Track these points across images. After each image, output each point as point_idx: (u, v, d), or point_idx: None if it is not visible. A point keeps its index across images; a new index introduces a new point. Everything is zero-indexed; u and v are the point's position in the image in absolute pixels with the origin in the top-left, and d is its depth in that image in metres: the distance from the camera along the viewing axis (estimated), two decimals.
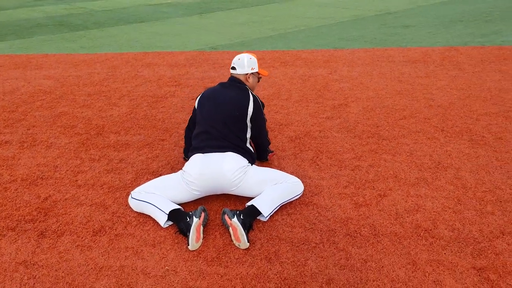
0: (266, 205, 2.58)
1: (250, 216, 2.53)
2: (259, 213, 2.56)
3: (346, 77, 5.41)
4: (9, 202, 2.97)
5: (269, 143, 3.27)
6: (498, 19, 8.64)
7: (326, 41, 7.71)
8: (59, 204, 2.91)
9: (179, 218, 2.51)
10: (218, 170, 2.66)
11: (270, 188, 2.70)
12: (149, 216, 2.70)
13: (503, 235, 2.39)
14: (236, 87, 3.00)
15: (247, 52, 3.32)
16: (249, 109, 2.89)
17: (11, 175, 3.34)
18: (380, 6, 11.78)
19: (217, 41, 8.33)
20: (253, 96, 2.96)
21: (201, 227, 2.46)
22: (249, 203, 2.63)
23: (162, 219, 2.55)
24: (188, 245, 2.37)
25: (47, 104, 5.01)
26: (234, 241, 2.40)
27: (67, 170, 3.38)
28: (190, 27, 10.33)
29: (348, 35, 8.12)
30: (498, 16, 9.03)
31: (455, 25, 8.40)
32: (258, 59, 5.75)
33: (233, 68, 3.08)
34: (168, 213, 2.53)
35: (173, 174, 2.84)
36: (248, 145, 2.94)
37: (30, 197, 3.02)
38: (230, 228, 2.45)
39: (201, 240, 2.43)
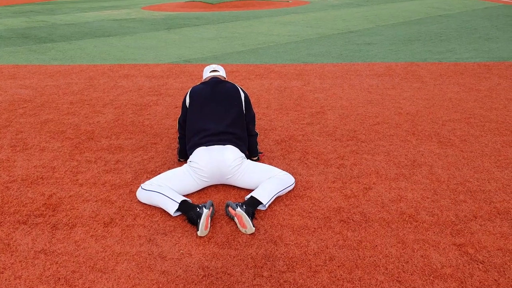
0: (264, 195, 2.83)
1: (251, 206, 2.76)
2: (259, 202, 2.80)
3: (319, 88, 5.77)
4: (15, 199, 3.05)
5: (257, 134, 3.52)
6: (451, 38, 9.39)
7: (295, 56, 8.11)
8: (65, 201, 3.02)
9: (189, 208, 2.70)
10: (220, 158, 2.97)
11: (265, 181, 2.96)
12: (157, 208, 2.87)
13: (476, 218, 2.74)
14: (226, 82, 3.38)
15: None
16: (241, 95, 3.29)
17: (10, 176, 3.41)
18: (341, 26, 12.42)
19: (189, 55, 8.56)
20: (240, 87, 3.37)
21: (210, 218, 2.67)
22: (248, 196, 2.87)
23: (172, 208, 2.74)
24: (198, 230, 2.56)
25: (30, 112, 5.05)
26: (241, 228, 2.63)
27: (65, 171, 3.49)
28: (160, 41, 10.51)
29: (315, 51, 8.57)
30: (451, 35, 9.81)
31: (413, 43, 9.05)
32: (233, 72, 6.10)
33: (215, 70, 3.52)
34: (179, 202, 2.73)
35: (180, 167, 3.05)
36: (245, 137, 3.24)
37: (34, 194, 3.11)
38: (235, 218, 2.67)
39: (209, 229, 2.64)
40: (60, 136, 4.24)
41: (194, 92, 3.27)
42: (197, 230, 2.57)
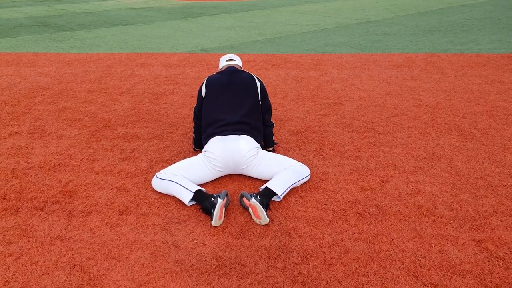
0: (279, 186, 2.80)
1: (266, 197, 2.73)
2: (274, 193, 2.77)
3: (337, 79, 5.69)
4: (32, 185, 3.08)
5: (273, 124, 3.46)
6: (474, 29, 9.16)
7: (313, 46, 8.02)
8: (81, 188, 3.04)
9: (204, 198, 2.69)
10: (235, 147, 2.94)
11: (280, 172, 2.93)
12: (172, 197, 2.87)
13: (497, 213, 2.67)
14: (242, 71, 3.32)
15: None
16: (257, 84, 3.23)
17: (28, 162, 3.45)
18: (360, 15, 12.23)
19: (206, 44, 8.53)
20: (256, 76, 3.31)
21: (224, 208, 2.65)
22: (263, 186, 2.84)
23: (187, 197, 2.73)
24: (212, 220, 2.55)
25: (48, 99, 5.09)
26: (255, 219, 2.61)
27: (82, 159, 3.51)
28: (177, 30, 10.50)
29: (334, 41, 8.45)
30: (474, 26, 9.56)
31: (434, 34, 8.86)
32: (249, 61, 6.07)
33: (231, 59, 3.47)
34: (194, 191, 2.72)
35: (194, 156, 3.04)
36: (260, 127, 3.19)
37: (51, 181, 3.14)
38: (250, 208, 2.65)
39: (223, 219, 2.62)
40: (77, 124, 4.27)
41: (210, 82, 3.23)
42: (211, 220, 2.56)
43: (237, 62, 3.52)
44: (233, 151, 2.94)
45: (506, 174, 3.15)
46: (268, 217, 2.58)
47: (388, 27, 10.01)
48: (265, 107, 3.30)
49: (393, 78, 5.67)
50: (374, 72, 5.99)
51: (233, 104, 3.11)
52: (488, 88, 5.10)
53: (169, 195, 2.90)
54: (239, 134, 3.00)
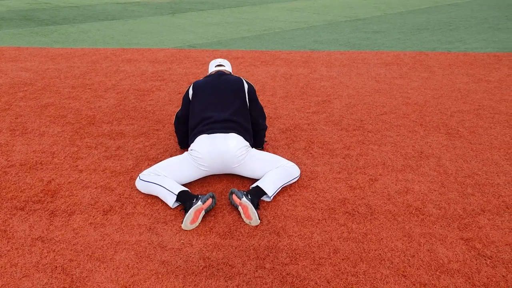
0: (270, 186, 2.76)
1: (256, 196, 2.69)
2: (264, 193, 2.73)
3: (326, 76, 5.67)
4: (12, 184, 3.00)
5: (266, 127, 3.38)
6: (461, 28, 9.22)
7: (301, 43, 7.98)
8: (64, 187, 2.97)
9: (186, 198, 2.63)
10: (224, 147, 2.84)
11: (270, 171, 2.88)
12: (157, 197, 2.81)
13: (484, 212, 2.67)
14: (230, 75, 3.27)
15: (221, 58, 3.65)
16: (245, 89, 3.15)
17: (8, 160, 3.35)
18: (349, 13, 12.23)
19: (194, 40, 8.44)
20: (245, 80, 3.25)
21: (202, 212, 2.56)
22: (253, 185, 2.79)
23: (171, 200, 2.67)
24: (182, 223, 2.50)
25: (30, 95, 4.98)
26: (245, 219, 2.56)
27: (65, 156, 3.43)
28: (164, 26, 10.38)
29: (322, 39, 8.43)
30: (460, 25, 9.63)
31: (422, 32, 8.89)
32: (238, 58, 6.01)
33: (221, 65, 3.44)
34: (177, 194, 2.66)
35: (179, 156, 2.97)
36: (249, 128, 3.12)
37: (33, 180, 3.06)
38: (240, 207, 2.60)
39: (196, 224, 2.52)
40: (60, 121, 4.18)
41: (197, 85, 3.16)
42: (181, 222, 2.51)
43: (227, 67, 3.47)
44: (221, 151, 2.85)
45: (493, 172, 3.16)
46: (259, 219, 2.54)
47: (377, 25, 10.02)
48: (257, 110, 3.22)
49: (381, 76, 5.66)
50: (363, 70, 5.98)
51: (221, 103, 3.04)
52: (475, 87, 5.13)
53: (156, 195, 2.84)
54: (227, 133, 2.92)
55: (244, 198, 2.57)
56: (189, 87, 3.20)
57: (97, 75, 5.85)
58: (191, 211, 2.50)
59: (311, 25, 10.14)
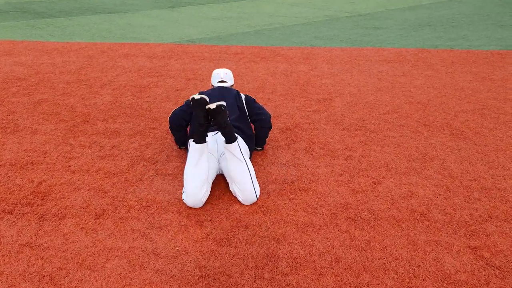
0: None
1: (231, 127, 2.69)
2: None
3: (327, 74, 5.55)
4: (1, 186, 2.88)
5: (271, 126, 3.27)
6: (463, 25, 9.08)
7: (302, 39, 7.85)
8: (55, 189, 2.85)
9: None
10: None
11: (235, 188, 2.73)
12: (152, 200, 2.70)
13: (491, 218, 2.56)
14: (231, 90, 3.33)
15: (222, 68, 3.65)
16: (241, 96, 3.28)
17: None
18: (350, 8, 12.08)
19: (193, 35, 8.30)
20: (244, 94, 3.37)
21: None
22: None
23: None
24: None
25: (23, 91, 4.85)
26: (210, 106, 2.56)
27: (57, 156, 3.31)
28: (163, 20, 10.22)
29: (323, 34, 8.29)
30: (463, 22, 9.49)
31: (423, 28, 8.76)
32: (237, 54, 5.87)
33: (223, 81, 3.51)
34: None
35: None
36: (252, 138, 3.07)
37: (23, 181, 2.94)
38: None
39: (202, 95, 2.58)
40: (54, 118, 4.06)
41: (202, 92, 3.28)
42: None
43: (229, 83, 3.55)
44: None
45: (499, 176, 3.05)
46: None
47: (378, 21, 9.88)
48: (260, 107, 3.28)
49: (384, 74, 5.54)
50: (364, 67, 5.86)
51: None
52: (478, 86, 5.01)
53: (149, 198, 2.73)
54: None
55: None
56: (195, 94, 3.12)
57: (93, 70, 5.72)
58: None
59: (311, 21, 10.00)
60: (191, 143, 2.74)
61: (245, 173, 2.67)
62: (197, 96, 2.56)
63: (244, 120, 3.11)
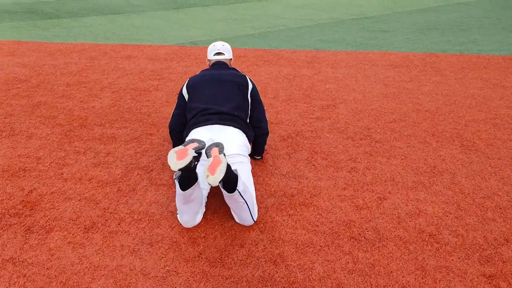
0: (241, 185, 2.32)
1: (233, 174, 2.29)
2: (236, 181, 2.30)
3: (331, 78, 5.39)
4: None
5: (268, 133, 3.08)
6: (473, 28, 8.88)
7: (307, 42, 7.70)
8: (46, 198, 2.73)
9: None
10: (222, 133, 2.60)
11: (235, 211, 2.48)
12: (144, 213, 2.57)
13: (507, 242, 2.40)
14: (231, 68, 3.04)
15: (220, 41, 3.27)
16: (249, 85, 2.93)
17: None
18: (356, 11, 11.90)
19: (196, 37, 8.18)
20: (250, 78, 3.01)
21: (191, 150, 2.17)
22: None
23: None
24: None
25: (23, 93, 4.74)
26: (206, 172, 2.09)
27: (51, 163, 3.19)
28: (168, 21, 10.11)
29: (328, 37, 8.13)
30: (472, 25, 9.29)
31: (431, 32, 8.57)
32: (240, 57, 5.68)
33: (220, 53, 3.13)
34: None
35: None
36: (249, 129, 2.85)
37: (13, 189, 2.82)
38: (211, 159, 2.15)
39: (183, 161, 2.11)
40: (51, 122, 3.94)
41: (193, 80, 2.91)
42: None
43: (226, 55, 3.14)
44: (222, 135, 2.56)
45: None
46: (220, 182, 2.10)
47: (385, 23, 9.70)
48: (259, 111, 2.97)
49: (390, 79, 5.38)
50: (370, 72, 5.70)
51: (221, 96, 2.77)
52: (490, 93, 4.83)
53: (141, 211, 2.60)
54: (227, 125, 2.64)
55: (222, 155, 2.18)
56: (184, 84, 2.94)
57: (94, 72, 5.60)
58: (178, 147, 2.18)
59: (317, 23, 9.84)
60: (177, 185, 2.30)
61: (244, 207, 2.39)
62: (182, 165, 2.11)
63: (244, 111, 2.83)
